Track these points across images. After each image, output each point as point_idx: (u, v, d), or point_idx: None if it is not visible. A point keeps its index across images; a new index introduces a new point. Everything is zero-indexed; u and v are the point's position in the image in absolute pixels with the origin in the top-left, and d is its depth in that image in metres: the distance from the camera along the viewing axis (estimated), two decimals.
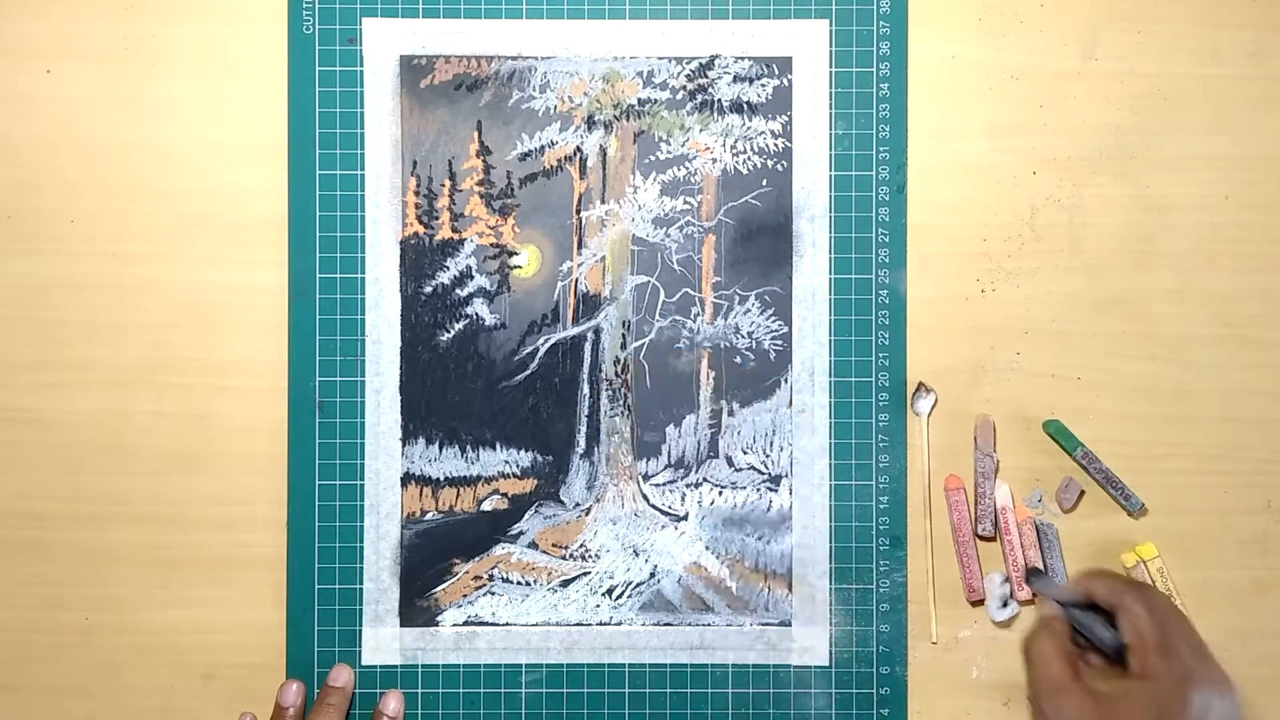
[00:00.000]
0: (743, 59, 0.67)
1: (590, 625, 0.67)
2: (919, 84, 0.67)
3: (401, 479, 0.66)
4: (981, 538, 0.67)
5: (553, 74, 0.67)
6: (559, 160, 0.67)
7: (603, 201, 0.67)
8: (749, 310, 0.67)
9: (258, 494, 0.66)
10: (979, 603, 0.67)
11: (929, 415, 0.66)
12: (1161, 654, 0.55)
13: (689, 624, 0.67)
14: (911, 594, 0.67)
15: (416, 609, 0.66)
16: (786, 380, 0.67)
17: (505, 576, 0.67)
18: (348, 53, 0.66)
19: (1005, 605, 0.66)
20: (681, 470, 0.67)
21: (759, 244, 0.67)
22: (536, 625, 0.67)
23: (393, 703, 0.65)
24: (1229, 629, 0.67)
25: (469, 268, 0.67)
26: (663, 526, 0.67)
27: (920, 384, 0.66)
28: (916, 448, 0.67)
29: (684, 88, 0.67)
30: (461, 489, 0.67)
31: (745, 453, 0.67)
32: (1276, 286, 0.67)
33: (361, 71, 0.66)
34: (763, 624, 0.67)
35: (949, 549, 0.67)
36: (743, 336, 0.67)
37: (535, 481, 0.67)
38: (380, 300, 0.66)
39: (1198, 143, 0.67)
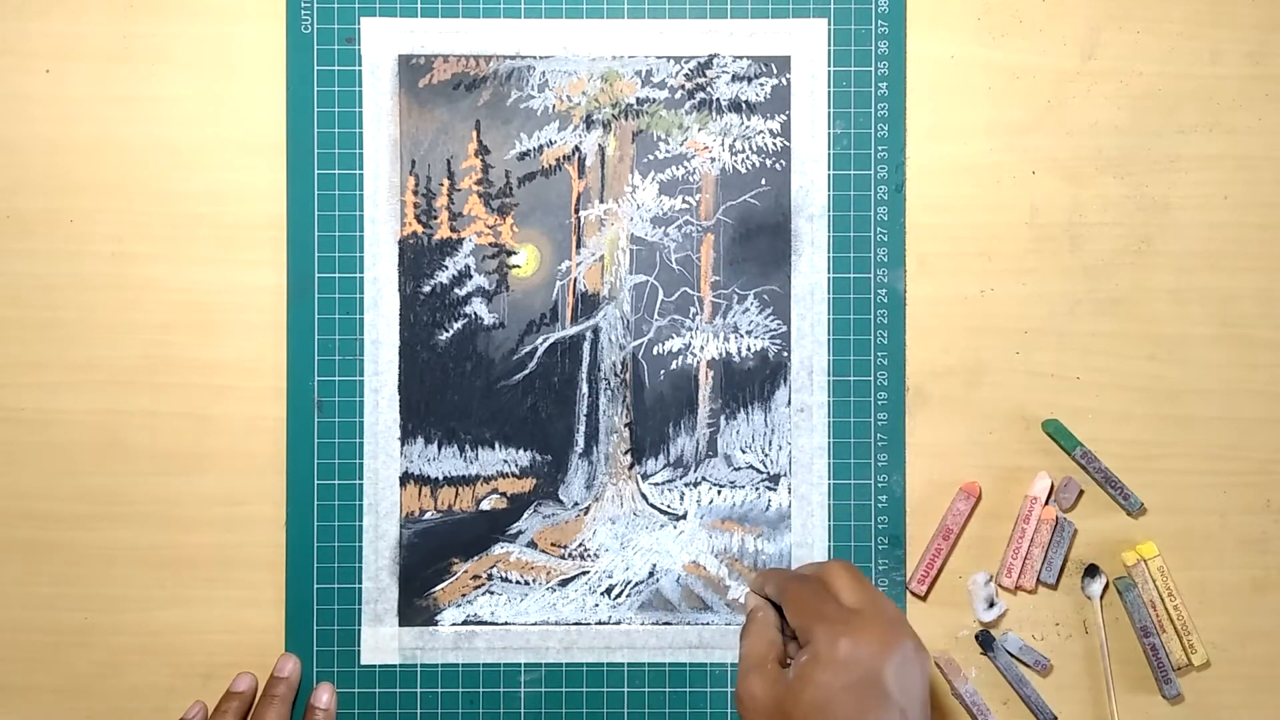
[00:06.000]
0: (741, 58, 0.67)
1: (589, 624, 0.67)
2: (918, 83, 0.67)
3: (400, 478, 0.67)
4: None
5: (551, 73, 0.67)
6: (557, 159, 0.67)
7: (601, 201, 0.67)
8: (748, 309, 0.67)
9: (257, 494, 0.66)
10: (921, 596, 0.67)
11: (1101, 598, 0.67)
12: (816, 620, 0.55)
13: (688, 623, 0.67)
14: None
15: (415, 608, 0.67)
16: (785, 379, 0.67)
17: (504, 576, 0.67)
18: (346, 52, 0.66)
19: (992, 605, 0.66)
20: (680, 469, 0.67)
21: (758, 243, 0.67)
22: (535, 624, 0.67)
23: (324, 695, 0.66)
24: (1229, 629, 0.67)
25: (467, 267, 0.67)
26: (661, 525, 0.67)
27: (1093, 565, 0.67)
28: (916, 445, 0.67)
29: (682, 87, 0.67)
30: (460, 488, 0.67)
31: (744, 452, 0.67)
32: (1276, 286, 0.67)
33: (360, 71, 0.66)
34: None
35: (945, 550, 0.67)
36: (741, 335, 0.67)
37: (534, 481, 0.67)
38: (379, 300, 0.67)
39: (1198, 143, 0.67)
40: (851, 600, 0.56)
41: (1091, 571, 0.66)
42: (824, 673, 0.53)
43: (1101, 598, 0.67)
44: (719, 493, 0.67)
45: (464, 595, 0.67)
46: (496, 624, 0.67)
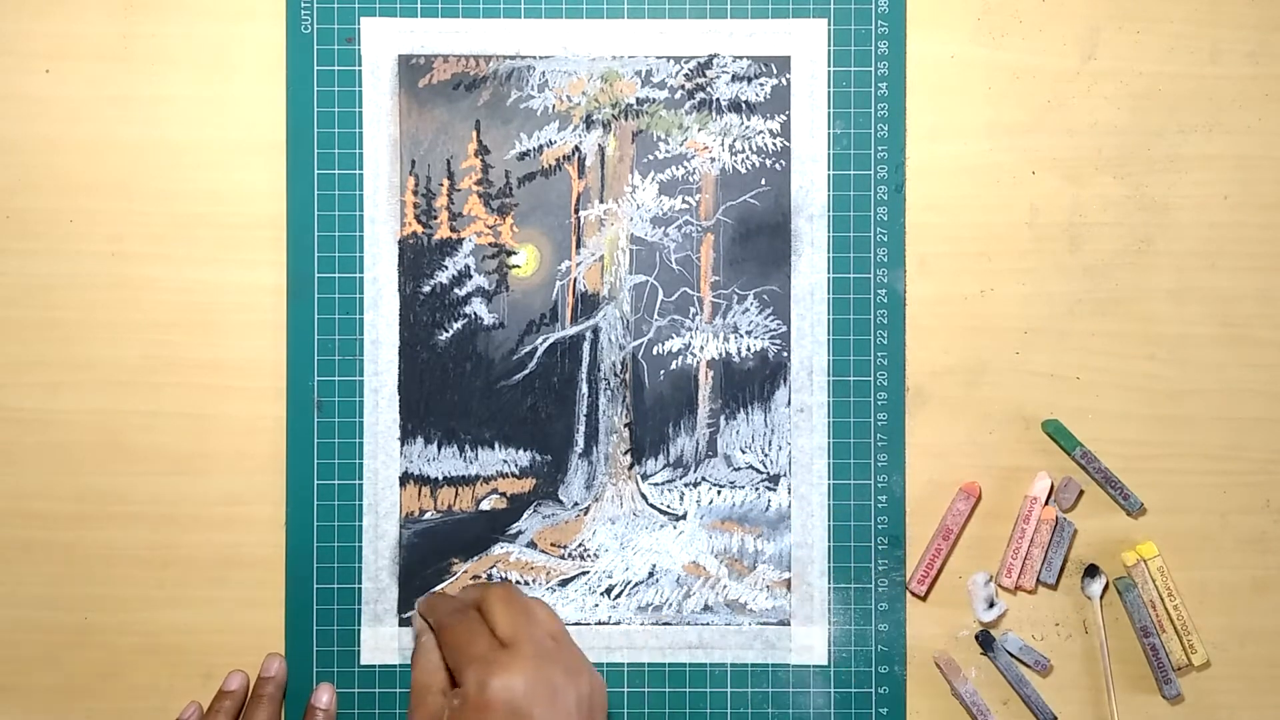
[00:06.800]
0: (741, 58, 0.67)
1: (589, 625, 0.67)
2: (918, 83, 0.67)
3: (400, 478, 0.67)
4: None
5: (551, 73, 0.67)
6: (557, 159, 0.67)
7: (601, 201, 0.67)
8: (747, 309, 0.67)
9: (256, 494, 0.66)
10: (921, 596, 0.67)
11: (1101, 598, 0.67)
12: (466, 661, 0.55)
13: (687, 623, 0.67)
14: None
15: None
16: (785, 379, 0.67)
17: (504, 576, 0.67)
18: (346, 52, 0.66)
19: (991, 605, 0.66)
20: (680, 469, 0.67)
21: (757, 243, 0.67)
22: None
23: (325, 695, 0.66)
24: (1228, 629, 0.67)
25: (467, 267, 0.67)
26: (661, 526, 0.67)
27: (1093, 565, 0.67)
28: (916, 445, 0.67)
29: (682, 87, 0.67)
30: (460, 488, 0.67)
31: (744, 452, 0.67)
32: (1276, 286, 0.67)
33: (360, 71, 0.66)
34: (761, 623, 0.67)
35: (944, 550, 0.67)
36: (741, 335, 0.67)
37: (534, 481, 0.67)
38: (379, 300, 0.67)
39: (1197, 143, 0.67)
40: (504, 630, 0.55)
41: (1091, 571, 0.66)
42: (474, 717, 0.53)
43: (1101, 598, 0.67)
44: (719, 493, 0.67)
45: None
46: None
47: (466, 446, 0.67)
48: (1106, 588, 0.67)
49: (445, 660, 0.57)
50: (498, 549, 0.67)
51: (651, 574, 0.67)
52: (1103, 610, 0.67)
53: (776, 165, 0.67)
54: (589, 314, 0.67)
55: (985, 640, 0.66)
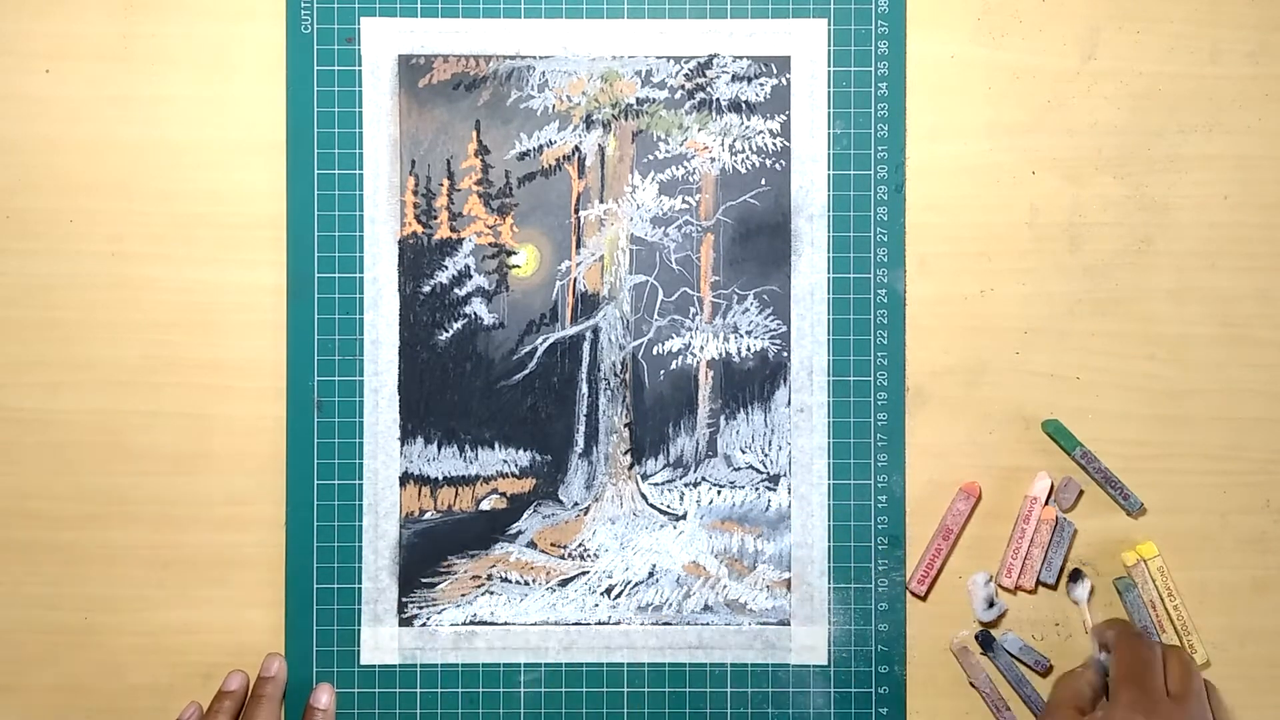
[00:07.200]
0: (741, 58, 0.67)
1: (589, 625, 0.67)
2: (917, 83, 0.67)
3: (400, 478, 0.67)
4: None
5: (551, 73, 0.67)
6: (557, 159, 0.67)
7: (601, 201, 0.67)
8: (747, 309, 0.67)
9: (256, 494, 0.66)
10: (921, 596, 0.67)
11: (1088, 600, 0.67)
12: (1132, 687, 0.59)
13: (687, 623, 0.67)
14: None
15: (415, 609, 0.66)
16: (785, 379, 0.67)
17: (504, 576, 0.67)
18: (346, 52, 0.66)
19: (991, 605, 0.66)
20: (680, 469, 0.67)
21: (757, 243, 0.67)
22: (535, 625, 0.67)
23: (324, 696, 0.66)
24: (1228, 629, 0.67)
25: (467, 267, 0.67)
26: (661, 526, 0.67)
27: (1078, 569, 0.67)
28: (916, 445, 0.67)
29: (682, 87, 0.67)
30: (460, 488, 0.67)
31: (744, 452, 0.67)
32: (1276, 286, 0.67)
33: (360, 71, 0.66)
34: (761, 623, 0.67)
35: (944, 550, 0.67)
36: (741, 335, 0.67)
37: (534, 481, 0.67)
38: (379, 300, 0.67)
39: (1197, 143, 0.67)
40: (1175, 688, 0.59)
41: (1075, 576, 0.66)
42: None
43: (1089, 599, 0.67)
44: (719, 493, 0.67)
45: (464, 595, 0.67)
46: (496, 624, 0.67)
47: (466, 446, 0.67)
48: (1093, 592, 0.67)
49: (1104, 678, 0.62)
50: (498, 549, 0.67)
51: (651, 574, 0.67)
52: (1096, 612, 0.67)
53: (776, 165, 0.67)
54: (589, 314, 0.67)
55: (985, 640, 0.66)
